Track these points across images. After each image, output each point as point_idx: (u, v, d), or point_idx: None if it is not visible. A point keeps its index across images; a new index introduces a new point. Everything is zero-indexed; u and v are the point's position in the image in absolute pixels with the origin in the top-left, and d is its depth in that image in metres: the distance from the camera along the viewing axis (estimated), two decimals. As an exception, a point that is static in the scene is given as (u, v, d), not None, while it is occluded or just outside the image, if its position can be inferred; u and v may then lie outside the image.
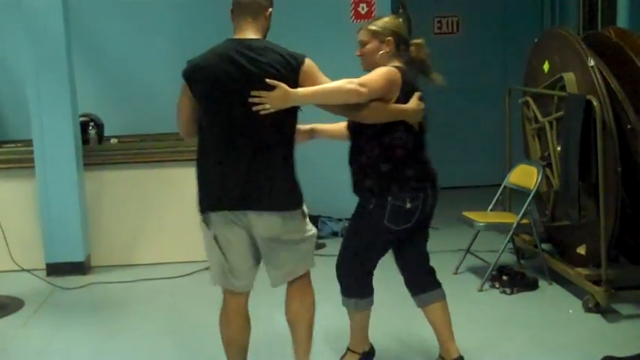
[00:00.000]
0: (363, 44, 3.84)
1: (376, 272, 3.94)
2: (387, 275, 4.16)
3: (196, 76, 3.50)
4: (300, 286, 3.74)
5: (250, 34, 3.52)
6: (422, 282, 4.01)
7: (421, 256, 4.04)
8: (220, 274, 3.66)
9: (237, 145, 3.46)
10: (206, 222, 3.60)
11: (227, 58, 3.45)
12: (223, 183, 3.48)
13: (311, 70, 3.50)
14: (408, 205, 3.71)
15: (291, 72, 3.45)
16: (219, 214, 3.54)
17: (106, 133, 6.70)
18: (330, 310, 4.24)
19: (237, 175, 3.46)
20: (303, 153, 3.73)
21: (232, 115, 3.45)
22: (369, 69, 3.79)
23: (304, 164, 3.74)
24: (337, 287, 3.97)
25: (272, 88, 3.35)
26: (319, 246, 5.94)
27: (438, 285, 4.03)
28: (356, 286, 3.91)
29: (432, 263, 4.08)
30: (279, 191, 3.50)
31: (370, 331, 4.13)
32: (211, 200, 3.55)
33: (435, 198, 3.84)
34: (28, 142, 6.19)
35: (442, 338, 4.04)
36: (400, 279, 4.07)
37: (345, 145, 3.92)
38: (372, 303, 3.97)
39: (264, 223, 3.51)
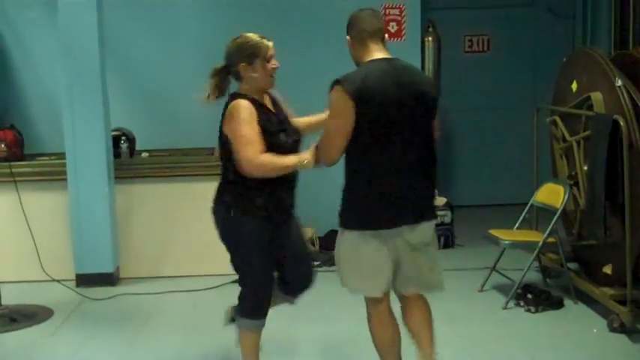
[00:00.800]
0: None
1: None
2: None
3: (366, 96, 3.41)
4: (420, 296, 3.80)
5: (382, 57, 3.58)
6: None
7: None
8: (371, 284, 3.69)
9: (407, 162, 3.51)
10: (359, 240, 3.60)
11: (388, 77, 3.46)
12: (397, 201, 3.53)
13: None
14: None
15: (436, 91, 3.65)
16: (383, 231, 3.57)
17: (138, 147, 6.81)
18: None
19: (410, 191, 3.54)
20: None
21: (404, 133, 3.47)
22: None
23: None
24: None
25: (432, 107, 3.55)
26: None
27: None
28: None
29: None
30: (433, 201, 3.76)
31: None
32: (381, 218, 3.55)
33: None
34: (61, 155, 6.29)
35: None
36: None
37: None
38: None
39: (420, 231, 3.62)
